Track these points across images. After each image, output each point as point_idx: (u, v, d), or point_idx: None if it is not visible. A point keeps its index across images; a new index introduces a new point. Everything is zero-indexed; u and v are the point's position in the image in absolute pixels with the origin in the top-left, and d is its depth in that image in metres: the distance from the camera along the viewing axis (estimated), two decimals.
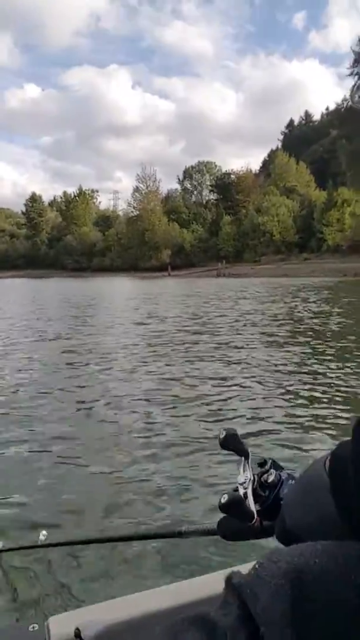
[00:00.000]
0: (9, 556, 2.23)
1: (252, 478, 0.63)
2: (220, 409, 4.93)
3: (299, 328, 11.05)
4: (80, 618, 0.81)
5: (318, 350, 8.18)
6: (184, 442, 4.01)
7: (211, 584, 0.88)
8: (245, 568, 0.82)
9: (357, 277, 36.32)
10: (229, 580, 0.39)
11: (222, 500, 0.57)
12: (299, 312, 14.64)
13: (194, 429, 4.35)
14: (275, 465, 0.65)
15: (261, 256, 58.38)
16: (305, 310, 14.95)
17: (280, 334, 10.24)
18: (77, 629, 0.77)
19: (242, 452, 0.65)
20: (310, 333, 10.23)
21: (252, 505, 0.60)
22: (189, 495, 3.10)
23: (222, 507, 0.57)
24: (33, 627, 0.83)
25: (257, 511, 0.60)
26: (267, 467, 0.64)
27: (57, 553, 2.34)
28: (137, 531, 2.05)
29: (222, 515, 0.61)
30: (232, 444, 0.65)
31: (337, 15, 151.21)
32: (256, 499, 0.61)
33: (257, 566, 0.38)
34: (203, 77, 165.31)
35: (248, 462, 0.65)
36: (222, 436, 0.65)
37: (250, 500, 0.60)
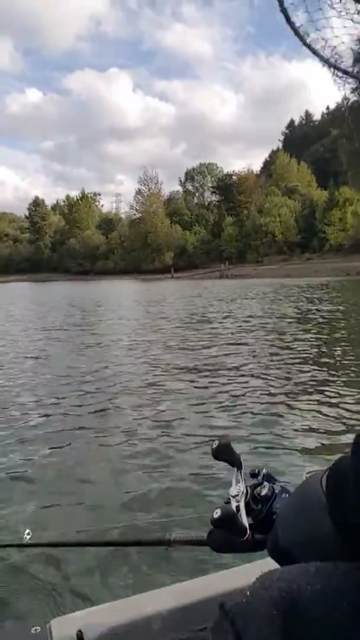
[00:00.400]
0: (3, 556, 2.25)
1: (244, 491, 0.62)
2: (224, 413, 4.90)
3: (308, 327, 11.21)
4: (82, 620, 0.80)
5: (328, 349, 8.35)
6: (186, 445, 4.00)
7: (211, 585, 0.89)
8: (243, 569, 0.91)
9: None
10: (222, 607, 0.39)
11: (215, 515, 0.57)
12: (305, 311, 14.79)
13: (196, 432, 4.32)
14: (269, 477, 0.64)
15: (264, 257, 58.60)
16: (312, 310, 15.09)
17: (291, 334, 10.39)
18: (79, 631, 0.77)
19: (235, 463, 0.64)
20: (320, 332, 10.40)
21: (245, 520, 0.59)
22: (184, 500, 3.04)
23: (215, 522, 0.57)
24: (35, 630, 0.86)
25: (250, 525, 0.59)
26: (259, 478, 0.63)
27: (39, 554, 2.31)
28: (123, 537, 2.15)
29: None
30: (225, 454, 0.64)
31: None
32: (248, 512, 0.60)
33: (249, 592, 0.38)
34: (203, 79, 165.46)
35: (241, 474, 0.64)
36: (214, 446, 0.64)
37: (243, 514, 0.60)
